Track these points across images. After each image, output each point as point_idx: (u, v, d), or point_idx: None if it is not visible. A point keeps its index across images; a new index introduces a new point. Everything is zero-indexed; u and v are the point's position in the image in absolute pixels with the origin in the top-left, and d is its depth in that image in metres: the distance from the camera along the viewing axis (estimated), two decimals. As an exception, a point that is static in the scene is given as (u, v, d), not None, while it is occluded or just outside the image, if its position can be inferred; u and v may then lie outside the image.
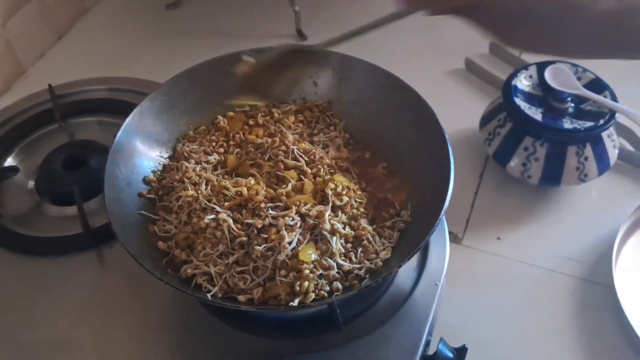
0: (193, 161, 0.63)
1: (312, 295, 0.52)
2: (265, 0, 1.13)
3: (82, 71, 0.88)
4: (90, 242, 0.64)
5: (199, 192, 0.59)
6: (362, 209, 0.58)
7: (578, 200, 0.81)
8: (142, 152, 0.62)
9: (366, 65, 0.66)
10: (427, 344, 0.58)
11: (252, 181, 0.59)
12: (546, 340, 0.68)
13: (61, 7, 1.06)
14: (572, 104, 0.78)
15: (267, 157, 0.62)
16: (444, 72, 0.96)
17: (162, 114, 0.64)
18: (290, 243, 0.53)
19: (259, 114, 0.67)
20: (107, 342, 0.58)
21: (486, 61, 0.98)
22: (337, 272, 0.53)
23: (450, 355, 0.57)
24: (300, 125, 0.67)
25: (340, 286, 0.53)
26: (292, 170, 0.61)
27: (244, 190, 0.57)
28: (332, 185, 0.58)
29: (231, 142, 0.65)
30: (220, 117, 0.67)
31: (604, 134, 0.76)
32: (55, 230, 0.67)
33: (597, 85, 0.79)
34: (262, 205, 0.55)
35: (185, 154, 0.63)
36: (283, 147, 0.62)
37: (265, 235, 0.54)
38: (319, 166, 0.61)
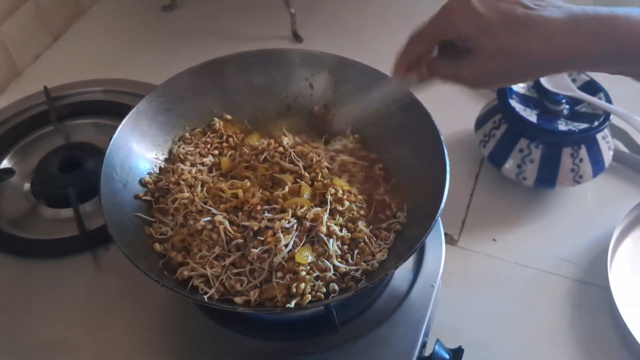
0: (189, 163, 0.63)
1: (309, 297, 0.52)
2: (260, 3, 1.13)
3: (78, 73, 0.88)
4: (86, 244, 0.64)
5: (195, 194, 0.59)
6: (361, 212, 0.59)
7: (573, 202, 0.81)
8: (139, 153, 0.62)
9: (362, 68, 0.66)
10: (424, 345, 0.58)
11: (248, 183, 0.59)
12: (542, 341, 0.68)
13: (57, 9, 1.05)
14: (567, 106, 0.78)
15: (262, 158, 0.62)
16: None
17: (159, 115, 0.64)
18: (286, 245, 0.53)
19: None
20: (103, 344, 0.58)
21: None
22: (333, 274, 0.54)
23: (447, 356, 0.57)
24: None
25: (336, 288, 0.53)
26: (288, 174, 0.60)
27: (240, 193, 0.57)
28: (332, 190, 0.58)
29: (225, 144, 0.65)
30: (216, 120, 0.67)
31: (599, 136, 0.77)
32: (51, 233, 0.66)
33: (591, 87, 0.79)
34: (258, 207, 0.55)
35: (181, 156, 0.64)
36: (280, 149, 0.62)
37: (262, 238, 0.54)
38: (317, 170, 0.61)
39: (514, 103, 0.78)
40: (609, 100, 0.78)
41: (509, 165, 0.78)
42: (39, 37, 1.03)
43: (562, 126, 0.76)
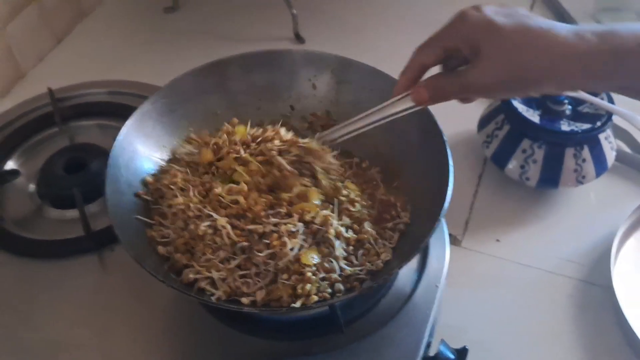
0: (184, 162, 0.62)
1: (315, 298, 0.52)
2: (262, 4, 1.13)
3: (82, 74, 0.88)
4: (91, 245, 0.65)
5: (189, 198, 0.58)
6: (369, 213, 0.59)
7: (576, 202, 0.82)
8: (143, 154, 0.62)
9: (364, 68, 0.66)
10: (428, 345, 0.58)
11: (245, 187, 0.57)
12: (545, 341, 0.68)
13: (60, 10, 1.06)
14: (569, 106, 0.78)
15: (256, 150, 0.59)
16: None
17: (163, 116, 0.64)
18: (292, 249, 0.53)
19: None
20: (108, 344, 0.58)
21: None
22: (339, 275, 0.54)
23: (451, 356, 0.58)
24: None
25: (342, 288, 0.53)
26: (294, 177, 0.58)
27: (241, 200, 0.56)
28: (344, 192, 0.58)
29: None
30: (226, 125, 0.65)
31: (601, 136, 0.77)
32: (56, 233, 0.67)
33: (594, 87, 0.79)
34: (262, 213, 0.55)
35: (177, 156, 0.64)
36: (277, 143, 0.59)
37: (267, 241, 0.53)
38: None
39: (516, 103, 0.78)
40: (611, 101, 0.78)
41: (512, 165, 0.78)
42: (42, 39, 1.03)
43: (565, 126, 0.76)
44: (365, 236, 0.56)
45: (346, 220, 0.57)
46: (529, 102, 0.80)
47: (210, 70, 0.67)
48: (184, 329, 0.59)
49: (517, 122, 0.78)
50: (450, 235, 0.66)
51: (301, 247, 0.53)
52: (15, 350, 0.58)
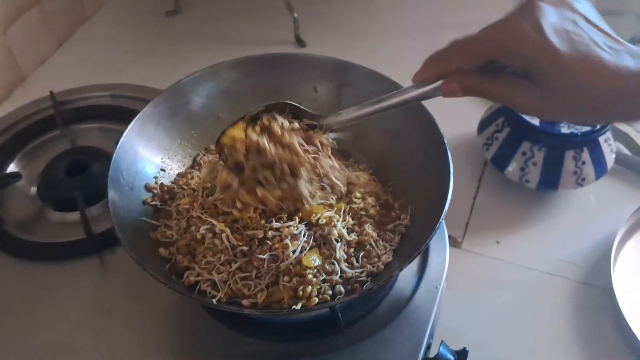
0: (205, 170, 0.63)
1: (316, 300, 0.52)
2: (264, 8, 1.13)
3: (83, 78, 0.89)
4: (92, 247, 0.65)
5: (197, 199, 0.59)
6: (374, 212, 0.59)
7: (576, 204, 0.82)
8: (145, 157, 0.62)
9: (365, 71, 0.67)
10: (428, 347, 0.59)
11: (239, 205, 0.56)
12: (545, 343, 0.68)
13: (62, 14, 1.06)
14: (570, 109, 0.79)
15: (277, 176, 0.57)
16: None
17: (165, 120, 0.65)
18: (294, 252, 0.53)
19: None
20: (110, 346, 0.58)
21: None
22: (340, 277, 0.54)
23: (451, 357, 0.58)
24: None
25: (342, 289, 0.54)
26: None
27: (236, 213, 0.56)
28: (358, 195, 0.59)
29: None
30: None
31: (601, 139, 0.77)
32: (57, 236, 0.67)
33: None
34: (262, 222, 0.55)
35: (202, 162, 0.65)
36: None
37: (270, 242, 0.54)
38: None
39: (516, 106, 0.78)
40: (611, 103, 0.78)
41: (512, 168, 0.79)
42: (44, 42, 1.04)
43: (565, 129, 0.77)
44: (366, 238, 0.57)
45: (349, 220, 0.57)
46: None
47: (212, 74, 0.67)
48: (185, 331, 0.59)
49: (517, 124, 0.78)
50: (450, 237, 0.66)
51: (303, 249, 0.54)
52: (17, 353, 0.58)
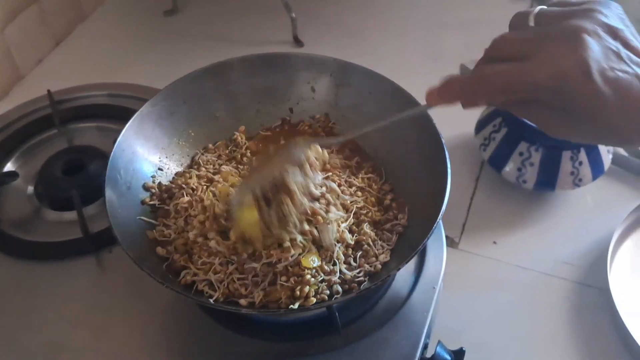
0: (204, 169, 0.63)
1: (313, 300, 0.52)
2: (262, 7, 1.13)
3: (81, 77, 0.89)
4: (89, 246, 0.65)
5: (195, 198, 0.59)
6: (373, 214, 0.59)
7: (573, 205, 0.82)
8: (142, 156, 0.62)
9: (364, 71, 0.67)
10: (425, 346, 0.59)
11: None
12: (542, 343, 0.68)
13: (59, 13, 1.06)
14: (567, 110, 0.79)
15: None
16: (440, 78, 0.97)
17: (162, 119, 0.65)
18: (292, 255, 0.54)
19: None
20: (107, 345, 0.58)
21: (481, 67, 0.99)
22: (338, 277, 0.54)
23: (448, 357, 0.58)
24: None
25: (340, 289, 0.54)
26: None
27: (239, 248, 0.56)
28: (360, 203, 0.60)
29: (245, 158, 0.66)
30: (237, 134, 0.68)
31: (598, 139, 0.77)
32: (54, 235, 0.67)
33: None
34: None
35: (200, 162, 0.65)
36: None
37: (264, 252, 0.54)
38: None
39: (514, 107, 0.79)
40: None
41: (509, 168, 0.79)
42: (41, 41, 1.04)
43: (562, 130, 0.77)
44: (364, 237, 0.57)
45: (351, 219, 0.57)
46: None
47: (209, 73, 0.67)
48: (182, 330, 0.59)
49: (514, 125, 0.78)
50: (447, 237, 0.66)
51: (302, 251, 0.54)
52: (14, 352, 0.58)
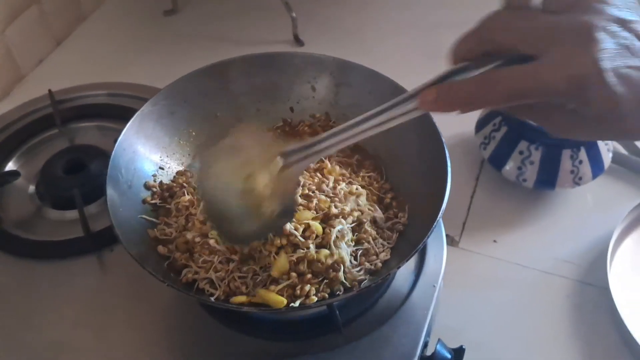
0: None
1: (314, 299, 0.52)
2: (262, 7, 1.14)
3: (81, 77, 0.89)
4: (91, 245, 0.65)
5: (197, 197, 0.59)
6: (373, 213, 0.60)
7: (573, 203, 0.82)
8: (144, 156, 0.63)
9: (364, 70, 0.67)
10: (425, 345, 0.59)
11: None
12: (542, 341, 0.68)
13: (60, 13, 1.06)
14: (567, 108, 0.79)
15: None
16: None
17: (163, 118, 0.65)
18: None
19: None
20: (108, 344, 0.58)
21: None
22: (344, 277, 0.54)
23: (448, 355, 0.58)
24: None
25: (340, 287, 0.54)
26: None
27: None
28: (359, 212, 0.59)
29: None
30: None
31: (598, 138, 0.78)
32: (56, 234, 0.67)
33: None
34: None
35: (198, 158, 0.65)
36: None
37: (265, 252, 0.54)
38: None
39: (514, 105, 0.79)
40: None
41: (509, 167, 0.79)
42: (42, 41, 1.04)
43: (562, 128, 0.77)
44: (365, 236, 0.57)
45: (351, 218, 0.57)
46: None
47: (210, 72, 0.67)
48: (183, 329, 0.59)
49: (514, 123, 0.78)
50: (447, 236, 0.66)
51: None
52: (15, 351, 0.58)
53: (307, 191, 0.58)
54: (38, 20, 1.01)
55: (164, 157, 0.65)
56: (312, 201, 0.57)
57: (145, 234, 0.58)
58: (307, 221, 0.55)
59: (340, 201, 0.58)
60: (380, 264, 0.56)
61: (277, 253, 0.54)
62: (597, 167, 0.78)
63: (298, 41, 1.07)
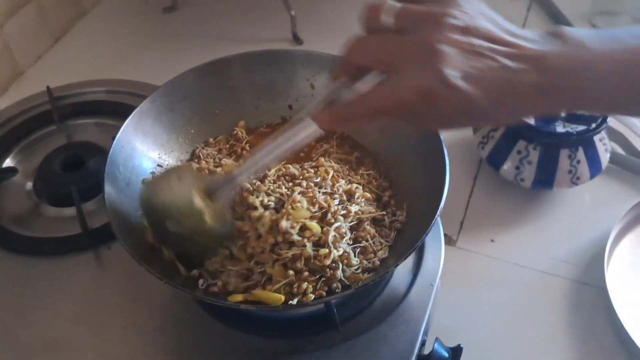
0: (204, 162, 0.64)
1: (312, 297, 0.52)
2: (261, 5, 1.13)
3: (79, 73, 0.89)
4: (88, 242, 0.65)
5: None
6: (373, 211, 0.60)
7: (570, 203, 0.82)
8: (142, 153, 0.62)
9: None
10: (423, 343, 0.59)
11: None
12: (539, 341, 0.68)
13: (58, 9, 1.06)
14: (565, 108, 0.79)
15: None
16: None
17: (162, 115, 0.65)
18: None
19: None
20: (105, 342, 0.58)
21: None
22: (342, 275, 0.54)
23: (446, 354, 0.58)
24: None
25: (338, 285, 0.54)
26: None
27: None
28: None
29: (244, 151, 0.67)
30: (237, 129, 0.69)
31: (596, 138, 0.77)
32: (53, 231, 0.67)
33: (589, 90, 0.80)
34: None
35: (201, 155, 0.65)
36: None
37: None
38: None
39: (512, 105, 0.79)
40: (606, 103, 0.78)
41: (507, 166, 0.79)
42: (40, 38, 1.03)
43: (560, 128, 0.77)
44: (363, 234, 0.57)
45: (352, 211, 0.58)
46: (524, 104, 0.80)
47: (209, 70, 0.67)
48: (180, 326, 0.59)
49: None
50: (445, 235, 0.66)
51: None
52: (12, 347, 0.58)
53: (305, 188, 0.58)
54: (37, 17, 1.01)
55: (162, 154, 0.65)
56: (309, 197, 0.57)
57: (144, 230, 0.58)
58: (304, 220, 0.55)
59: (339, 198, 0.58)
60: (378, 262, 0.56)
61: (271, 251, 0.54)
62: (594, 167, 0.78)
63: (297, 39, 1.06)
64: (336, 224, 0.55)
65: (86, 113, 0.81)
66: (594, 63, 0.40)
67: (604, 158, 0.79)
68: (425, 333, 0.59)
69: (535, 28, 0.53)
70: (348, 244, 0.56)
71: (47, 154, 0.73)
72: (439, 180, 0.55)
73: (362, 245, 0.57)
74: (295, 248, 0.54)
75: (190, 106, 0.67)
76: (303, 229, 0.55)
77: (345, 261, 0.55)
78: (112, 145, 0.59)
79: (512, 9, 1.13)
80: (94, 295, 0.62)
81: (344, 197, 0.59)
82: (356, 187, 0.60)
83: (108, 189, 0.56)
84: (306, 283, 0.53)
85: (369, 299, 0.60)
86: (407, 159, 0.63)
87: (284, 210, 0.55)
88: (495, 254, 0.77)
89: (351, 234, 0.57)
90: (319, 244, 0.55)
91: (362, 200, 0.59)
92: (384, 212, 0.60)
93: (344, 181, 0.61)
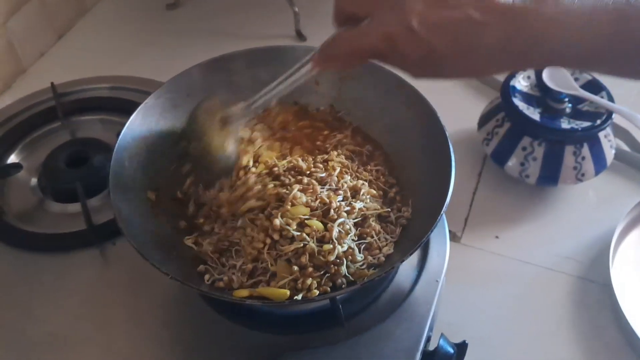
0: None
1: (316, 292, 0.52)
2: (264, 2, 1.13)
3: (82, 70, 0.89)
4: (93, 238, 0.65)
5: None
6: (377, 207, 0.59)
7: (575, 200, 0.82)
8: (146, 149, 0.62)
9: (368, 65, 0.66)
10: (428, 340, 0.59)
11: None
12: (544, 337, 0.68)
13: (61, 6, 1.06)
14: (570, 105, 0.79)
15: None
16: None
17: (166, 112, 0.64)
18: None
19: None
20: (110, 337, 0.58)
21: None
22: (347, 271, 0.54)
23: (451, 350, 0.58)
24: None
25: (343, 281, 0.54)
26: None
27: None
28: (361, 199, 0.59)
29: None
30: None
31: (601, 134, 0.77)
32: (58, 227, 0.67)
33: (594, 86, 0.80)
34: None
35: None
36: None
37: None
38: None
39: (517, 101, 0.79)
40: (611, 99, 0.78)
41: (512, 163, 0.79)
42: (44, 35, 1.03)
43: (565, 124, 0.77)
44: (368, 230, 0.57)
45: (358, 205, 0.58)
46: (529, 100, 0.80)
47: (214, 66, 0.67)
48: (185, 322, 0.59)
49: (517, 119, 0.78)
50: (450, 231, 0.66)
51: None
52: (17, 343, 0.58)
53: (306, 184, 0.58)
54: (40, 13, 1.01)
55: (167, 150, 0.65)
56: (310, 193, 0.57)
57: (148, 226, 0.58)
58: (303, 217, 0.55)
59: (344, 195, 0.58)
60: (383, 258, 0.56)
61: (270, 247, 0.55)
62: (599, 163, 0.78)
63: (300, 36, 1.06)
64: (339, 220, 0.55)
65: (90, 109, 0.81)
66: (564, 18, 0.40)
67: (609, 154, 0.79)
68: (431, 329, 0.59)
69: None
70: (353, 240, 0.56)
71: (51, 150, 0.73)
72: (444, 177, 0.55)
73: (367, 241, 0.57)
74: (296, 243, 0.54)
75: (195, 102, 0.67)
76: (302, 225, 0.55)
77: (350, 257, 0.55)
78: (117, 141, 0.59)
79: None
80: (99, 291, 0.62)
81: (349, 194, 0.58)
82: (362, 184, 0.60)
83: (113, 185, 0.56)
84: (310, 279, 0.53)
85: (374, 295, 0.60)
86: (412, 156, 0.63)
87: (282, 208, 0.55)
88: (500, 251, 0.77)
89: (356, 230, 0.57)
90: (323, 240, 0.55)
91: (368, 197, 0.59)
92: (389, 209, 0.60)
93: (349, 177, 0.61)
